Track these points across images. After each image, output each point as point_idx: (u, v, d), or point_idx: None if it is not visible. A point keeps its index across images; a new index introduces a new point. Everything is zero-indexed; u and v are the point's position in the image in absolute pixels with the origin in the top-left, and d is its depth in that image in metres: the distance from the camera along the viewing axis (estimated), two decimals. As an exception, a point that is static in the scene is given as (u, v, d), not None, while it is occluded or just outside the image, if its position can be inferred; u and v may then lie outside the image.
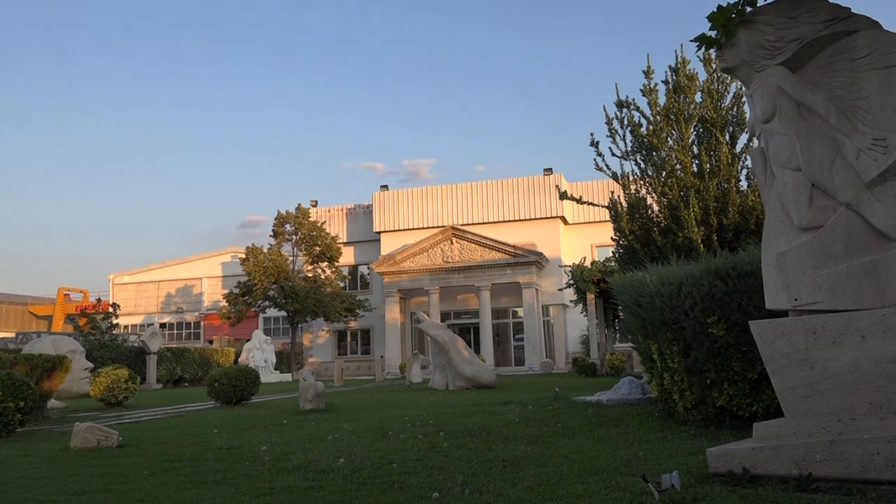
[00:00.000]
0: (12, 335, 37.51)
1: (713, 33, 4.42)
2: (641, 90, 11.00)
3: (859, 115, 4.09)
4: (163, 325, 47.03)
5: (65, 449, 7.52)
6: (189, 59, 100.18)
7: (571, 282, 24.91)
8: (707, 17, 4.32)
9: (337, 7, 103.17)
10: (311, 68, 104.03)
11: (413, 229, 38.44)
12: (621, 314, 11.57)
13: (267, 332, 40.92)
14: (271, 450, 6.44)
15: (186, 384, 28.44)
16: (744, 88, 4.72)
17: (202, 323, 49.15)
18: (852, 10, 4.21)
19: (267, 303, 35.60)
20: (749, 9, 4.46)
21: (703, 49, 4.60)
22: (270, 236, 37.03)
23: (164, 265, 51.66)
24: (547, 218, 37.16)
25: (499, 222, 37.65)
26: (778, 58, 4.31)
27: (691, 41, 4.50)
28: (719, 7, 4.31)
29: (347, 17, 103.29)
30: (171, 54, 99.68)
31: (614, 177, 11.22)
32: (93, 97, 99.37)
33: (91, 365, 20.06)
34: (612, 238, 11.89)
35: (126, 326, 43.79)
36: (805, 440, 3.92)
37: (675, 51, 10.82)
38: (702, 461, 4.57)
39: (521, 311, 35.46)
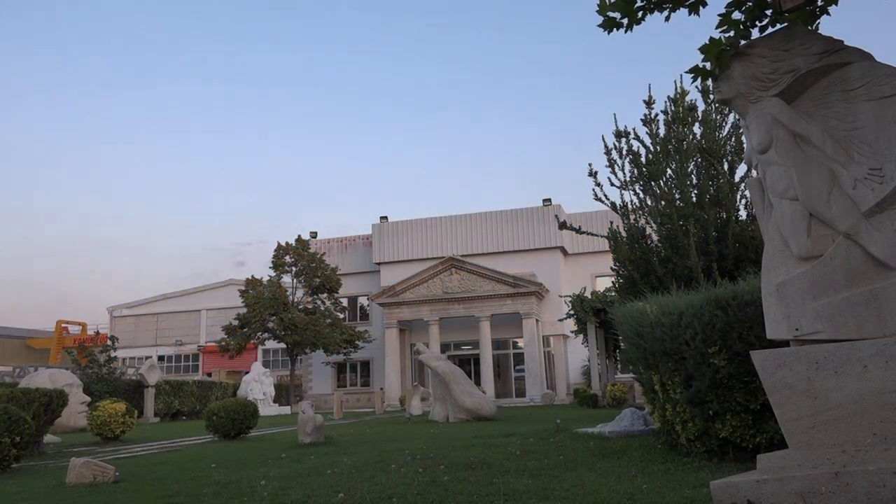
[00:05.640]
0: (9, 369, 37.25)
1: (707, 65, 4.48)
2: (642, 119, 11.09)
3: (855, 145, 4.13)
4: (161, 358, 46.74)
5: (60, 485, 7.41)
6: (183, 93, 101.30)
7: (572, 312, 24.84)
8: (699, 49, 4.38)
9: (322, 39, 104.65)
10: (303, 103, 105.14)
11: (412, 260, 38.47)
12: (622, 344, 11.52)
13: (266, 364, 40.66)
14: (269, 484, 6.35)
15: (184, 417, 28.17)
16: (740, 120, 4.77)
17: (201, 355, 48.89)
18: (845, 43, 4.28)
19: (266, 335, 35.45)
20: (743, 41, 4.53)
21: (698, 80, 4.65)
22: (270, 268, 37.04)
23: (163, 298, 51.57)
24: (546, 248, 37.23)
25: (498, 253, 37.71)
26: (773, 89, 4.36)
27: (686, 72, 4.56)
28: (711, 39, 4.37)
29: (337, 46, 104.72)
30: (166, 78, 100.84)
31: (613, 207, 11.25)
32: (92, 124, 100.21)
33: (88, 399, 19.88)
34: (611, 268, 11.88)
35: (125, 359, 43.55)
36: (810, 472, 3.87)
37: (675, 81, 10.93)
38: (706, 494, 4.51)
39: (521, 342, 35.31)
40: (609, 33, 4.52)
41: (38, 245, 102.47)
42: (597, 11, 4.45)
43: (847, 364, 3.94)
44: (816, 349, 4.05)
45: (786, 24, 4.49)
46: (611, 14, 4.44)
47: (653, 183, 10.73)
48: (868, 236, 4.02)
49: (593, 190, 11.21)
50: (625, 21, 4.48)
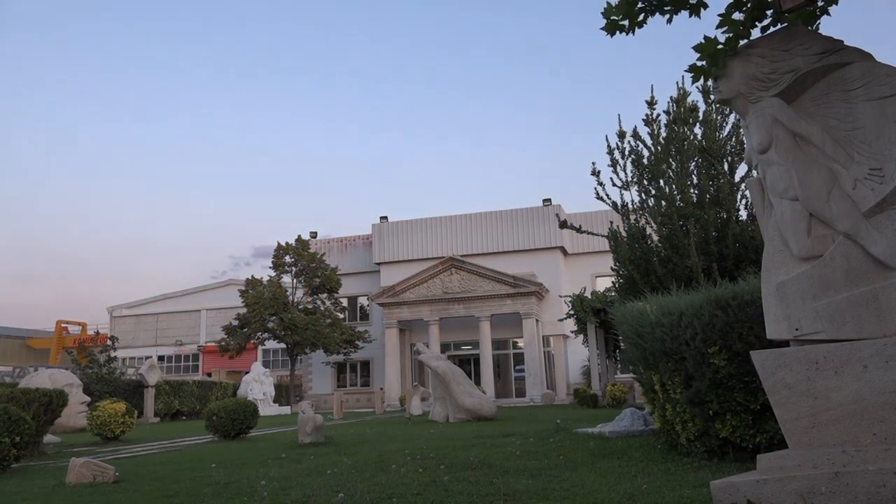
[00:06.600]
0: (9, 369, 37.23)
1: (704, 63, 4.48)
2: (644, 119, 11.11)
3: (855, 145, 4.13)
4: (161, 358, 46.73)
5: (60, 485, 7.41)
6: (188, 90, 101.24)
7: (572, 312, 24.82)
8: (693, 48, 4.38)
9: (329, 41, 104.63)
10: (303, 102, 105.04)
11: (412, 260, 38.43)
12: (622, 344, 11.53)
13: (266, 364, 40.63)
14: (269, 485, 6.35)
15: (184, 417, 28.16)
16: (740, 120, 4.77)
17: (201, 355, 48.87)
18: (845, 43, 4.27)
19: (266, 335, 35.43)
20: (743, 41, 4.53)
21: (700, 80, 4.65)
22: (270, 268, 37.01)
23: (163, 298, 51.55)
24: (547, 248, 37.19)
25: (498, 253, 37.68)
26: (773, 89, 4.35)
27: (686, 71, 4.56)
28: (706, 38, 4.37)
29: (338, 49, 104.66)
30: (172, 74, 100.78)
31: (614, 206, 11.26)
32: (96, 117, 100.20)
33: (88, 399, 19.87)
34: (611, 268, 11.89)
35: (125, 359, 43.54)
36: (810, 472, 3.87)
37: (677, 82, 10.95)
38: (706, 494, 4.51)
39: (521, 342, 35.28)
40: (612, 36, 4.53)
41: (40, 245, 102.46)
42: (602, 16, 4.46)
43: (847, 364, 3.94)
44: (816, 349, 4.05)
45: (786, 24, 4.49)
46: (614, 18, 4.45)
47: (654, 183, 10.75)
48: (868, 236, 4.02)
49: (595, 189, 11.23)
50: (626, 24, 4.48)
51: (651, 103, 11.05)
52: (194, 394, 28.98)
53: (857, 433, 3.89)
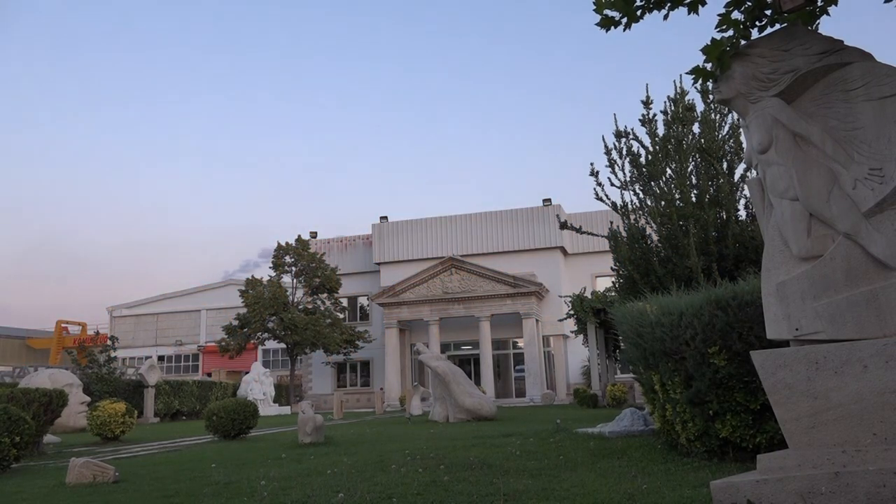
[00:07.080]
0: (9, 369, 37.23)
1: (708, 66, 4.48)
2: (640, 119, 11.10)
3: (855, 145, 4.13)
4: (161, 358, 46.70)
5: (60, 485, 7.41)
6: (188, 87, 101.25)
7: (571, 312, 24.82)
8: (701, 50, 4.38)
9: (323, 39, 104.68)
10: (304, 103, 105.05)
11: (412, 260, 38.43)
12: (622, 344, 11.53)
13: (266, 364, 40.60)
14: (269, 485, 6.35)
15: (184, 417, 28.14)
16: (740, 120, 4.77)
17: (201, 355, 48.86)
18: (845, 43, 4.27)
19: (266, 335, 35.41)
20: (742, 41, 4.53)
21: (699, 81, 4.65)
22: (270, 268, 36.99)
23: (163, 298, 51.52)
24: (547, 248, 37.19)
25: (498, 253, 37.68)
26: (773, 89, 4.35)
27: (687, 73, 4.55)
28: (713, 40, 4.37)
29: (338, 50, 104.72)
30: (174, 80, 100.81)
31: (614, 207, 11.26)
32: (99, 117, 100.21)
33: (88, 399, 19.87)
34: (611, 268, 11.89)
35: (125, 359, 43.52)
36: (810, 472, 3.87)
37: (674, 81, 10.95)
38: (706, 494, 4.51)
39: (521, 342, 35.27)
40: (607, 31, 4.52)
41: (40, 245, 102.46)
42: (594, 10, 4.44)
43: (847, 364, 3.94)
44: (816, 349, 4.05)
45: (786, 24, 4.49)
46: (608, 12, 4.44)
47: (652, 183, 10.74)
48: (868, 236, 4.02)
49: (594, 189, 11.23)
50: (623, 20, 4.48)
51: (647, 103, 11.05)
52: (194, 394, 28.97)
53: (858, 433, 3.89)
